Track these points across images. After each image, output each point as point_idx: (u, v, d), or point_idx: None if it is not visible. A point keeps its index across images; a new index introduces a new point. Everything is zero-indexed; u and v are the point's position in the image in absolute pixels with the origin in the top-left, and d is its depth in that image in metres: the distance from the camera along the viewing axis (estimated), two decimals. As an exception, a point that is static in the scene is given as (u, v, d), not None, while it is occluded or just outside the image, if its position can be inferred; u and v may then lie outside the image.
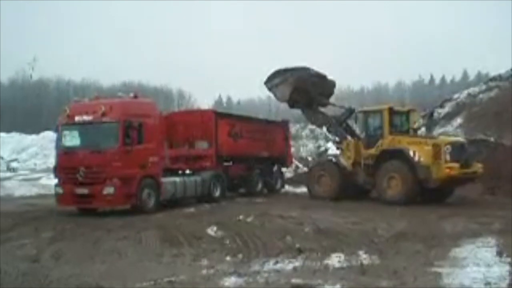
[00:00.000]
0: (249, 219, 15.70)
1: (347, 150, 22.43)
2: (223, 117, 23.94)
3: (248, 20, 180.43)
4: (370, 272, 9.26)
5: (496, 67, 78.53)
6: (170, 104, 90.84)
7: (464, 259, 10.09)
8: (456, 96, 39.89)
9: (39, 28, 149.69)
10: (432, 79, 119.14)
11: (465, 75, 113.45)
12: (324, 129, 24.63)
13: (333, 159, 24.18)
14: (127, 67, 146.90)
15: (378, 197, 21.15)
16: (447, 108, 38.08)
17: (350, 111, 23.89)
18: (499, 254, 10.38)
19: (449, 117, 36.42)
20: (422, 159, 19.93)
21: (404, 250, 11.13)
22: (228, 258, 10.58)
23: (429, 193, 20.56)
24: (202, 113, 25.91)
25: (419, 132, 23.71)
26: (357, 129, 24.32)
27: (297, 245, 11.45)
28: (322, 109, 24.69)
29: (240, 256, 10.74)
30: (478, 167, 20.75)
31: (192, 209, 19.16)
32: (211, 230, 13.82)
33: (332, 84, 25.08)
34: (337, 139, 23.72)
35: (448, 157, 19.73)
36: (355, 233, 13.15)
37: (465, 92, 39.73)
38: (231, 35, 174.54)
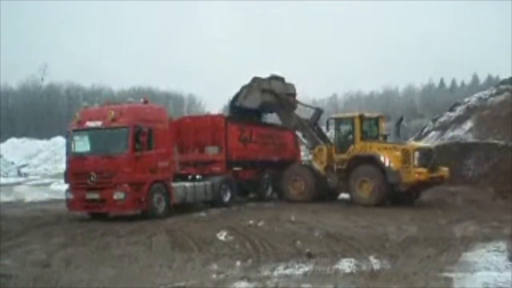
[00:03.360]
0: (259, 224, 15.69)
1: (320, 155, 23.30)
2: (233, 122, 23.91)
3: (258, 26, 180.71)
4: (381, 277, 9.24)
5: (506, 71, 78.38)
6: (180, 109, 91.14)
7: (475, 264, 10.05)
8: (466, 99, 39.69)
9: (50, 34, 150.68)
10: (442, 83, 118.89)
11: (475, 78, 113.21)
12: (300, 134, 25.01)
13: (307, 164, 24.78)
14: (138, 72, 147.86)
15: (350, 199, 21.97)
16: (457, 112, 37.91)
17: (319, 112, 25.05)
18: (511, 258, 10.33)
19: (460, 120, 36.26)
20: (392, 164, 20.92)
21: (414, 254, 11.08)
22: (238, 263, 10.58)
23: (398, 195, 21.39)
24: (212, 118, 25.88)
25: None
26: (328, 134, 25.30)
27: (307, 250, 11.43)
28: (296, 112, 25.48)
29: (250, 261, 10.74)
30: (444, 171, 21.91)
31: (202, 214, 19.16)
32: (221, 235, 13.83)
33: (292, 86, 25.92)
34: (310, 144, 24.37)
35: (416, 162, 20.74)
36: (366, 238, 13.10)
37: (476, 96, 39.53)
38: (241, 41, 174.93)
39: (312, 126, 24.37)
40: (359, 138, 22.18)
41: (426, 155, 21.49)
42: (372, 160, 21.46)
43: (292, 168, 24.26)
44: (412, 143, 24.57)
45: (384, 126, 23.74)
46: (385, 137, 23.21)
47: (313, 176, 23.20)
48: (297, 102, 25.69)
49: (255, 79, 24.61)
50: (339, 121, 23.60)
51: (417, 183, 20.88)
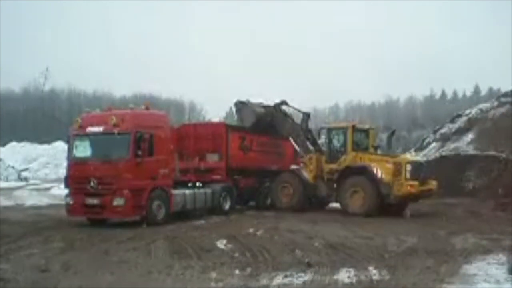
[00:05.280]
0: (258, 233, 15.68)
1: (310, 164, 23.46)
2: (234, 130, 23.92)
3: (259, 35, 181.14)
4: (380, 288, 9.22)
5: (507, 83, 78.47)
6: (181, 116, 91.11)
7: (475, 276, 10.01)
8: (467, 111, 39.81)
9: (52, 39, 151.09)
10: (443, 94, 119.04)
11: (477, 90, 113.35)
12: (293, 141, 25.00)
13: (296, 171, 24.58)
14: (139, 79, 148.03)
15: (341, 209, 22.03)
16: (458, 124, 38.01)
17: (307, 116, 25.08)
18: (510, 271, 10.29)
19: (461, 132, 36.35)
20: (384, 176, 21.10)
21: (414, 265, 11.04)
22: (237, 271, 10.54)
23: (385, 206, 21.48)
24: (213, 125, 25.97)
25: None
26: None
27: (307, 260, 11.41)
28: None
29: (249, 269, 10.70)
30: (433, 184, 22.18)
31: (201, 222, 19.15)
32: (221, 243, 13.80)
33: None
34: (301, 151, 24.47)
35: (408, 175, 20.93)
36: (365, 248, 13.09)
37: (477, 108, 39.65)
38: (242, 49, 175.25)
39: (305, 132, 24.47)
40: (351, 149, 22.34)
41: (417, 168, 21.64)
42: (364, 171, 21.61)
43: (281, 176, 24.24)
44: (403, 156, 24.79)
45: (374, 138, 24.09)
46: (375, 148, 23.56)
47: (301, 184, 23.30)
48: (286, 102, 25.46)
49: (236, 102, 25.12)
50: (331, 131, 23.80)
51: (407, 195, 21.10)
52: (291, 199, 23.42)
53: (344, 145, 22.68)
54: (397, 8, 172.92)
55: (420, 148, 39.55)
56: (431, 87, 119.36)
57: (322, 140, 24.85)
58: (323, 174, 22.99)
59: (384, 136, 27.36)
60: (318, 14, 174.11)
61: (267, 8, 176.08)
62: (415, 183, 20.93)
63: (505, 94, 39.80)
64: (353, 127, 22.90)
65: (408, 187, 20.75)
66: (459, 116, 39.76)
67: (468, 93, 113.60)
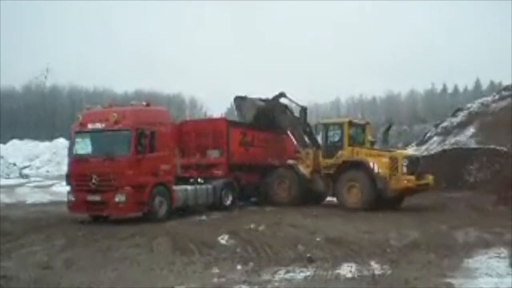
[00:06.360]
0: (260, 228, 15.65)
1: (306, 159, 23.63)
2: (235, 126, 23.91)
3: (260, 31, 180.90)
4: (382, 282, 9.22)
5: (509, 76, 78.34)
6: (182, 113, 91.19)
7: (477, 270, 10.02)
8: (468, 105, 39.81)
9: (53, 36, 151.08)
10: (445, 88, 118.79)
11: (478, 84, 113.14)
12: (291, 135, 25.08)
13: (293, 166, 24.49)
14: (140, 75, 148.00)
15: (338, 203, 22.16)
16: (459, 118, 38.00)
17: (304, 110, 25.48)
18: (512, 264, 10.31)
19: (462, 126, 36.34)
20: (380, 170, 21.20)
21: (416, 260, 11.05)
22: (239, 267, 10.56)
23: (382, 200, 21.53)
24: (214, 121, 25.96)
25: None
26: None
27: (309, 254, 11.42)
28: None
29: (251, 265, 10.72)
30: (430, 179, 22.18)
31: (203, 218, 19.15)
32: (222, 239, 13.80)
33: None
34: (298, 145, 24.56)
35: (404, 170, 21.07)
36: (367, 243, 13.08)
37: (478, 102, 39.65)
38: (243, 46, 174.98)
39: (303, 126, 24.67)
40: (347, 144, 22.49)
41: (414, 162, 21.76)
42: (361, 166, 21.73)
43: (278, 171, 24.23)
44: (399, 150, 24.84)
45: (371, 133, 24.25)
46: (372, 143, 23.66)
47: (298, 179, 23.39)
48: (285, 95, 25.49)
49: (236, 98, 25.57)
50: (327, 127, 23.89)
51: (404, 189, 21.25)
52: (288, 194, 23.51)
53: (340, 140, 22.82)
54: (398, 3, 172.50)
55: (422, 142, 39.51)
56: (432, 82, 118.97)
57: (319, 135, 24.83)
58: (320, 169, 23.12)
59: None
60: (318, 12, 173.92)
61: (268, 6, 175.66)
62: (412, 177, 21.05)
63: (506, 88, 39.80)
64: (349, 122, 23.11)
65: (405, 182, 20.89)
66: (460, 110, 39.78)
67: (469, 87, 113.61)
